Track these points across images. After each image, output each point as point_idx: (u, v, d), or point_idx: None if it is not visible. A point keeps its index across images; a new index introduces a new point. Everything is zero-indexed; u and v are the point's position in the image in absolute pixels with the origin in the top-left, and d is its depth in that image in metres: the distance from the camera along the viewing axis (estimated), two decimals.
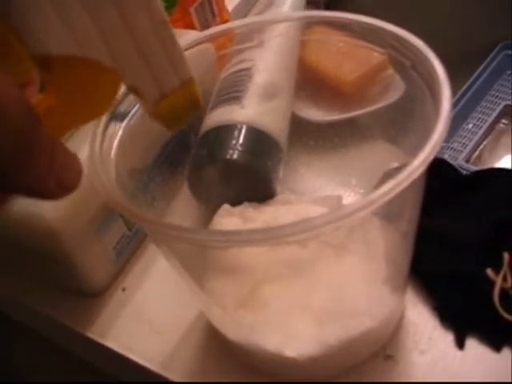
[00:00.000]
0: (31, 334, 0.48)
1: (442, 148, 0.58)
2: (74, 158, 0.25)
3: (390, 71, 0.45)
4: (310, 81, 0.49)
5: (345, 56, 0.46)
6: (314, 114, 0.49)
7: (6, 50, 0.26)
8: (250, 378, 0.38)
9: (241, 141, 0.43)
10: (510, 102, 0.60)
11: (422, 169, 0.28)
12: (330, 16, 0.38)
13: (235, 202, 0.43)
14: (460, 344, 0.38)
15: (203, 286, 0.38)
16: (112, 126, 0.37)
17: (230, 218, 0.41)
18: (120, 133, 0.38)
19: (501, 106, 0.60)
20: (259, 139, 0.44)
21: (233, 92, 0.45)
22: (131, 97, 0.40)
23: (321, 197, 0.44)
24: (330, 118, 0.48)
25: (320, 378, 0.38)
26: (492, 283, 0.39)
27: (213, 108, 0.45)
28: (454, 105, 0.60)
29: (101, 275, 0.44)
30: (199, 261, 0.37)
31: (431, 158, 0.28)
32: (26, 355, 0.56)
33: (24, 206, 0.39)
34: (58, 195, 0.24)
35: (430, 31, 0.63)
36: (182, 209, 0.44)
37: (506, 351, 0.37)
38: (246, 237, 0.28)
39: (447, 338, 0.38)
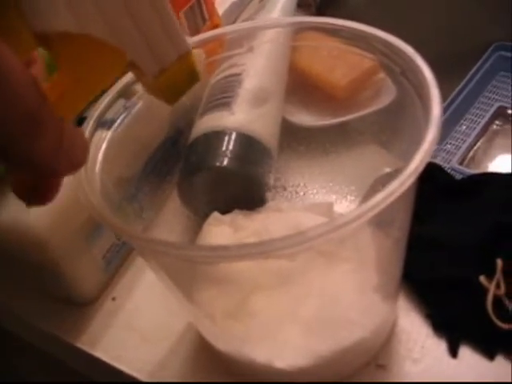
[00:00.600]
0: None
1: (436, 150, 0.57)
2: (80, 135, 0.25)
3: (382, 75, 0.45)
4: (301, 85, 0.48)
5: (336, 61, 0.45)
6: (305, 118, 0.48)
7: (8, 28, 0.25)
8: None
9: (231, 147, 0.42)
10: (503, 104, 0.59)
11: (413, 178, 0.27)
12: (321, 22, 0.38)
13: (226, 210, 0.43)
14: (453, 352, 0.37)
15: (192, 299, 0.37)
16: (98, 134, 0.36)
17: (220, 227, 0.41)
18: (106, 141, 0.37)
19: (494, 108, 0.59)
20: (249, 145, 0.43)
21: (222, 98, 0.44)
22: (118, 104, 0.39)
23: (312, 204, 0.43)
24: (322, 123, 0.47)
25: None
26: (485, 290, 0.38)
27: (202, 114, 0.44)
28: (448, 106, 0.59)
29: (90, 284, 0.43)
30: (187, 274, 0.36)
31: (422, 167, 0.27)
32: (24, 360, 0.55)
33: (11, 214, 0.39)
34: (67, 171, 0.24)
35: (422, 33, 0.63)
36: (170, 218, 0.43)
37: (499, 359, 0.36)
38: (236, 252, 0.27)
39: (440, 347, 0.38)
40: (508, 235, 0.40)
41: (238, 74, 0.45)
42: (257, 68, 0.45)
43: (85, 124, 0.35)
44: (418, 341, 0.38)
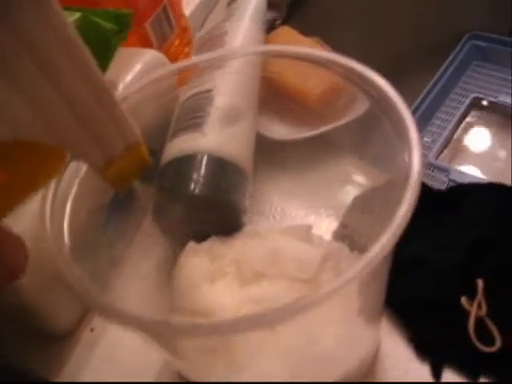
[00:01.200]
0: None
1: None
2: (16, 241, 0.23)
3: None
4: (273, 95, 0.46)
5: (309, 71, 0.43)
6: (279, 131, 0.46)
7: None
8: None
9: (203, 173, 0.41)
10: (478, 95, 0.58)
11: (391, 243, 0.26)
12: (285, 51, 0.36)
13: (203, 235, 0.41)
14: (436, 376, 0.37)
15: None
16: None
17: (197, 258, 0.39)
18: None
19: (469, 99, 0.58)
20: (223, 169, 0.41)
21: (193, 118, 0.42)
22: None
23: (290, 227, 0.42)
24: (297, 136, 0.46)
25: None
26: (467, 312, 0.37)
27: (173, 136, 0.43)
28: (423, 100, 0.58)
29: (67, 316, 0.42)
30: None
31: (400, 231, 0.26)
32: None
33: None
34: (4, 282, 0.23)
35: (396, 25, 0.61)
36: (146, 244, 0.41)
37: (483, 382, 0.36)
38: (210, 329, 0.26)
39: (424, 371, 0.37)
40: (488, 251, 0.39)
41: (209, 91, 0.43)
42: (227, 84, 0.43)
43: None
44: (402, 365, 0.38)
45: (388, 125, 0.33)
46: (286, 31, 0.52)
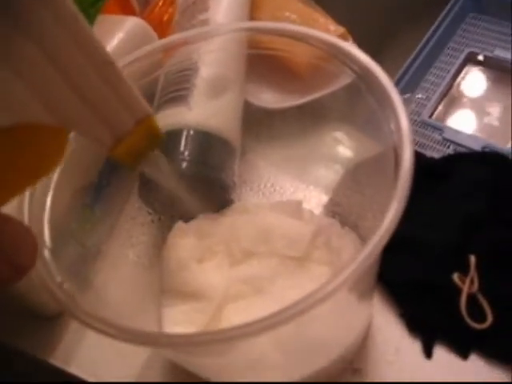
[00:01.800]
0: None
1: (405, 102, 0.54)
2: (24, 234, 0.22)
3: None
4: (260, 63, 0.44)
5: (295, 45, 0.41)
6: (267, 99, 0.44)
7: None
8: None
9: (189, 149, 0.39)
10: (473, 49, 0.56)
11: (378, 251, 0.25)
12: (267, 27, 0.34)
13: (191, 214, 0.40)
14: (427, 353, 0.36)
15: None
16: None
17: (185, 238, 0.38)
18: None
19: (464, 53, 0.56)
20: (210, 144, 0.40)
21: (178, 90, 0.40)
22: None
23: (280, 202, 0.40)
24: (284, 105, 0.44)
25: None
26: (459, 289, 0.36)
27: (158, 108, 0.41)
28: (417, 55, 0.56)
29: None
30: None
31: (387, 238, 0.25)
32: None
33: None
34: (13, 279, 0.21)
35: None
36: (133, 225, 0.40)
37: (473, 358, 0.36)
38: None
39: (415, 347, 0.37)
40: (479, 226, 0.38)
41: (194, 62, 0.41)
42: (213, 55, 0.41)
43: None
44: (393, 341, 0.37)
45: (371, 98, 0.33)
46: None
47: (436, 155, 0.48)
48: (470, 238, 0.38)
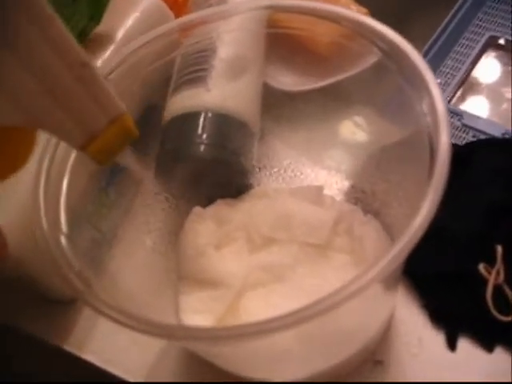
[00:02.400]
0: None
1: None
2: None
3: None
4: (281, 44, 0.42)
5: (317, 24, 0.39)
6: (287, 81, 0.42)
7: None
8: None
9: (207, 132, 0.37)
10: (494, 33, 0.53)
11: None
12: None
13: (209, 198, 0.38)
14: (451, 345, 0.35)
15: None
16: None
17: (202, 224, 0.36)
18: None
19: (485, 38, 0.54)
20: (228, 127, 0.38)
21: (196, 71, 0.38)
22: None
23: (300, 187, 0.39)
24: (305, 88, 0.41)
25: None
26: (485, 280, 0.35)
27: (175, 90, 0.39)
28: (436, 39, 0.53)
29: None
30: None
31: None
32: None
33: None
34: None
35: None
36: (149, 203, 0.38)
37: (498, 352, 0.34)
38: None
39: (438, 339, 0.35)
40: (505, 215, 0.36)
41: (212, 41, 0.39)
42: (232, 34, 0.38)
43: None
44: (416, 333, 0.35)
45: (400, 76, 0.31)
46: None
47: (456, 141, 0.46)
48: (495, 226, 0.36)
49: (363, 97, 0.39)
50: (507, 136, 0.46)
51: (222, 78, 0.38)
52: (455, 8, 0.54)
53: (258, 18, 0.38)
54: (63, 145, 0.30)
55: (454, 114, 0.50)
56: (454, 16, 0.54)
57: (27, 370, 0.44)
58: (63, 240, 0.26)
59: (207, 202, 0.38)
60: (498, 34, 0.53)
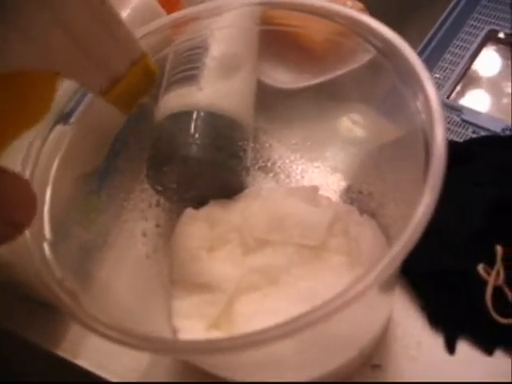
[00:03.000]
0: None
1: None
2: (22, 188, 0.20)
3: None
4: (274, 41, 0.40)
5: (311, 21, 0.38)
6: (282, 79, 0.41)
7: None
8: None
9: (200, 131, 0.36)
10: (494, 27, 0.52)
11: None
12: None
13: (201, 200, 0.37)
14: (450, 348, 0.33)
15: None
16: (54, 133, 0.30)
17: (195, 225, 0.35)
18: (64, 140, 0.31)
19: (484, 31, 0.52)
20: (221, 126, 0.37)
21: (188, 70, 0.37)
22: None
23: (295, 188, 0.37)
24: (300, 85, 0.40)
25: None
26: (484, 281, 0.33)
27: (167, 89, 0.38)
28: (435, 33, 0.52)
29: None
30: None
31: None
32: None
33: None
34: (9, 236, 0.20)
35: None
36: (142, 207, 0.37)
37: (498, 355, 0.33)
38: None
39: (437, 341, 0.34)
40: (506, 214, 0.35)
41: (204, 40, 0.37)
42: (224, 32, 0.37)
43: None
44: (414, 336, 0.34)
45: (394, 73, 0.30)
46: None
47: (455, 137, 0.45)
48: (496, 226, 0.34)
49: (358, 94, 0.37)
50: (507, 131, 0.45)
51: (215, 77, 0.37)
52: (454, 1, 0.52)
53: (251, 15, 0.36)
54: (46, 150, 0.28)
55: (453, 109, 0.49)
56: (452, 9, 0.52)
57: (20, 374, 0.43)
58: (46, 247, 0.25)
59: (200, 203, 0.37)
60: (497, 28, 0.52)
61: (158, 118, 0.37)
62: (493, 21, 0.52)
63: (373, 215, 0.35)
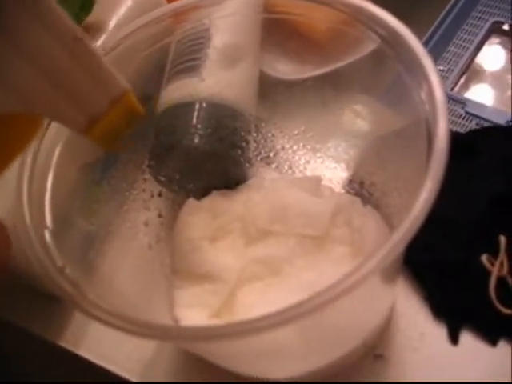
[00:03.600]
0: None
1: None
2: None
3: None
4: (277, 31, 0.40)
5: (314, 9, 0.37)
6: (284, 70, 0.41)
7: None
8: None
9: (202, 122, 0.36)
10: (499, 18, 0.52)
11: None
12: None
13: (203, 190, 0.37)
14: (454, 339, 0.33)
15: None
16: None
17: (197, 216, 0.35)
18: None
19: (489, 23, 0.52)
20: (223, 117, 0.36)
21: (190, 60, 0.37)
22: None
23: (298, 178, 0.37)
24: (302, 76, 0.40)
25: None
26: (488, 271, 0.33)
27: (169, 80, 0.37)
28: (439, 25, 0.51)
29: None
30: None
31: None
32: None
33: None
34: None
35: None
36: (144, 197, 0.37)
37: (502, 345, 0.33)
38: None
39: (440, 332, 0.34)
40: (509, 205, 0.35)
41: (206, 30, 0.37)
42: (226, 22, 0.37)
43: None
44: (417, 327, 0.34)
45: (399, 63, 0.30)
46: None
47: (458, 130, 0.45)
48: (499, 217, 0.34)
49: (362, 85, 0.37)
50: (511, 123, 0.44)
51: (217, 67, 0.37)
52: None
53: (253, 3, 0.36)
54: (48, 138, 0.28)
55: (457, 101, 0.48)
56: (456, 1, 0.52)
57: (22, 365, 0.43)
58: (47, 235, 0.25)
59: (203, 193, 0.37)
60: (501, 20, 0.52)
61: (160, 108, 0.37)
62: (497, 13, 0.52)
63: (376, 205, 0.35)
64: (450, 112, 0.48)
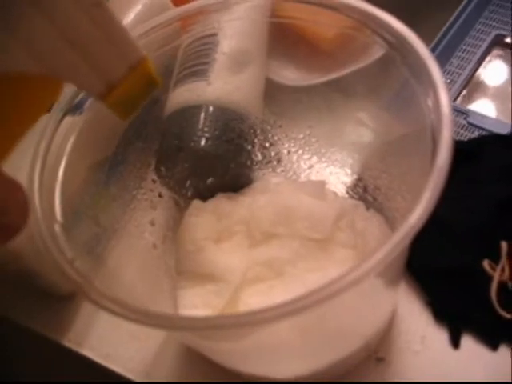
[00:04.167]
0: None
1: None
2: (14, 190, 0.20)
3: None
4: (283, 38, 0.41)
5: (321, 14, 0.38)
6: (290, 76, 0.41)
7: None
8: None
9: (209, 125, 0.36)
10: (501, 32, 0.52)
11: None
12: None
13: (209, 192, 0.37)
14: (455, 343, 0.34)
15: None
16: (65, 123, 0.31)
17: (202, 217, 0.35)
18: (75, 130, 0.31)
19: (491, 36, 0.53)
20: (230, 120, 0.37)
21: (198, 64, 0.38)
22: None
23: (302, 182, 0.38)
24: (308, 83, 0.41)
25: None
26: (489, 276, 0.34)
27: (177, 84, 0.38)
28: (441, 38, 0.52)
29: None
30: None
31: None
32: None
33: None
34: (1, 240, 0.20)
35: None
36: (149, 199, 0.38)
37: (502, 350, 0.33)
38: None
39: (441, 336, 0.34)
40: (509, 212, 0.35)
41: (214, 35, 0.38)
42: (234, 27, 0.38)
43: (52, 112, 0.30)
44: (418, 330, 0.34)
45: (406, 69, 0.30)
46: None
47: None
48: (501, 223, 0.35)
49: (368, 91, 0.38)
50: None
51: (224, 71, 0.37)
52: (461, 6, 0.53)
53: (261, 8, 0.37)
54: (60, 132, 0.29)
55: (460, 112, 0.49)
56: (459, 14, 0.53)
57: (25, 364, 0.43)
58: (57, 229, 0.26)
59: (208, 196, 0.37)
60: (504, 33, 0.52)
61: (167, 111, 0.38)
62: (500, 26, 0.53)
63: (379, 209, 0.35)
64: (453, 123, 0.49)
